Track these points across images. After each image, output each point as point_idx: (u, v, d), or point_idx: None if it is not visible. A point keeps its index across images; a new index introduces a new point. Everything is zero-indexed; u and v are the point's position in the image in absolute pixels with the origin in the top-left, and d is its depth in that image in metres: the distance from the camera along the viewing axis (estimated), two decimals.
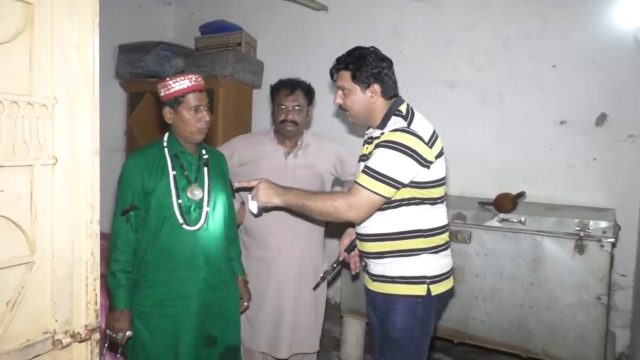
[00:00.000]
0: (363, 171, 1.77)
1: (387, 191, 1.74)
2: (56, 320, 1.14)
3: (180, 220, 1.94)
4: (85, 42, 1.16)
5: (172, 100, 1.93)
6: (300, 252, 2.49)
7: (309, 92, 2.52)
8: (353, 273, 2.17)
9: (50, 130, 1.10)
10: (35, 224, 1.08)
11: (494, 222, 2.85)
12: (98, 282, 1.22)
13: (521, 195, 3.06)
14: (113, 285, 1.91)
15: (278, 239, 2.47)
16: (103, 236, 3.52)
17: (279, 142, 2.54)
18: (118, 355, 1.94)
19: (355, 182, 1.78)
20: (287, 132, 2.47)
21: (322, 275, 2.33)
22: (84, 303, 1.20)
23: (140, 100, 4.51)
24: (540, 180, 3.40)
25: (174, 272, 1.96)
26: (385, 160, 1.73)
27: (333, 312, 4.01)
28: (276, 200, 1.85)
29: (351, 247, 2.11)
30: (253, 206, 1.89)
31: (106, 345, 1.93)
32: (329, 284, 4.16)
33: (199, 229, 1.98)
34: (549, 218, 2.74)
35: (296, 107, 2.45)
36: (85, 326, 1.20)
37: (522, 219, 2.78)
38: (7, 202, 1.02)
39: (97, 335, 1.22)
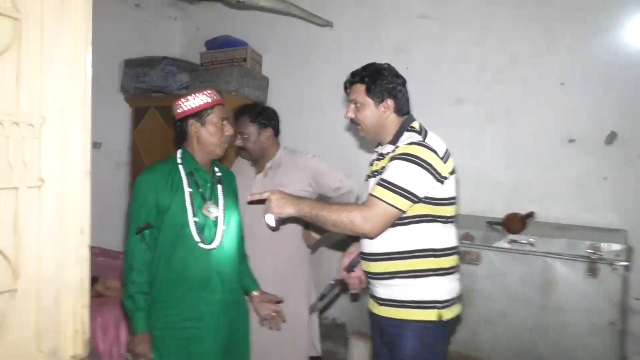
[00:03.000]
0: (378, 183, 1.73)
1: (403, 204, 1.70)
2: (41, 351, 1.07)
3: (197, 239, 1.89)
4: (78, 58, 1.11)
5: (200, 112, 1.93)
6: (260, 260, 2.41)
7: (257, 117, 2.51)
8: (351, 292, 2.10)
9: (37, 151, 1.04)
10: (19, 249, 1.02)
11: (503, 243, 2.78)
12: (87, 309, 1.16)
13: (530, 215, 2.98)
14: (131, 308, 1.84)
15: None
16: (109, 253, 3.43)
17: (252, 163, 2.61)
18: None
19: (371, 194, 1.75)
20: (243, 158, 2.58)
21: (319, 295, 2.24)
22: (71, 332, 1.13)
23: (145, 115, 4.49)
24: (549, 200, 3.31)
25: (187, 292, 1.90)
26: (401, 173, 1.70)
27: (339, 332, 3.92)
28: (290, 210, 1.80)
29: (351, 267, 2.04)
30: (270, 219, 1.85)
31: None
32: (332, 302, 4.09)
33: (215, 247, 1.93)
34: (560, 239, 2.67)
35: (241, 134, 2.49)
36: (73, 357, 1.13)
37: (532, 240, 2.71)
38: None
39: None
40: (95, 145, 4.45)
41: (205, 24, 4.91)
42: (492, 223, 3.01)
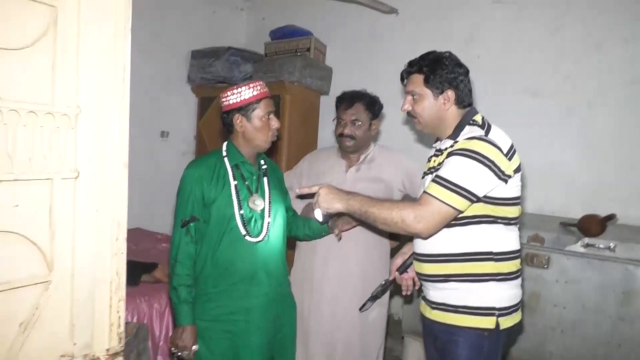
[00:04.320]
0: (434, 180, 1.61)
1: (460, 203, 1.57)
2: (75, 344, 1.07)
3: (243, 232, 1.86)
4: (116, 47, 1.09)
5: (245, 106, 1.88)
6: (346, 265, 2.33)
7: (371, 106, 2.36)
8: (404, 294, 1.99)
9: (73, 142, 1.03)
10: (53, 241, 1.01)
11: (578, 247, 2.55)
12: (123, 303, 1.15)
13: (611, 218, 2.71)
14: (174, 301, 1.85)
15: (323, 248, 2.33)
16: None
17: (342, 155, 2.44)
18: None
19: (425, 191, 1.62)
20: (346, 147, 2.37)
21: (370, 295, 2.14)
22: (107, 325, 1.12)
23: (210, 105, 4.56)
24: (634, 201, 3.00)
25: (234, 285, 1.87)
26: (459, 169, 1.57)
27: (395, 329, 3.81)
28: (338, 206, 1.72)
29: (404, 268, 1.93)
30: (318, 214, 1.79)
31: None
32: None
33: (261, 240, 1.90)
34: None
35: (355, 121, 2.33)
36: (107, 350, 1.12)
37: (611, 245, 2.47)
38: (21, 218, 0.96)
39: None
40: (163, 134, 4.58)
41: (270, 14, 4.90)
42: (566, 224, 2.78)
